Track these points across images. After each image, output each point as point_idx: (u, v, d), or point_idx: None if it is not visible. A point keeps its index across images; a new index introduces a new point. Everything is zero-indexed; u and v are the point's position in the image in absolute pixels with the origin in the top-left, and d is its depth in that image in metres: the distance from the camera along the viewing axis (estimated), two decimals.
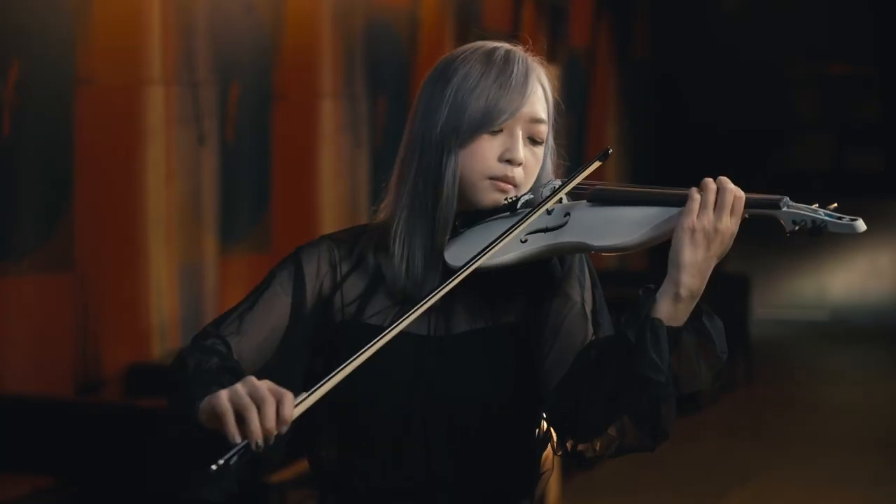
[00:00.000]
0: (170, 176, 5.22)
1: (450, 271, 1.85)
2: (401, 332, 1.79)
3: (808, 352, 10.50)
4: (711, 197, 1.76)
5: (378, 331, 1.79)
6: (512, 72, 1.90)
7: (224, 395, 1.66)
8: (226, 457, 1.60)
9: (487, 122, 1.87)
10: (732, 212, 1.76)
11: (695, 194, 1.77)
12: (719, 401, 8.22)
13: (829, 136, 12.24)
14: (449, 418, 1.86)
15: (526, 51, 1.95)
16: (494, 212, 1.90)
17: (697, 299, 1.78)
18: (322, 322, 1.92)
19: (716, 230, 1.76)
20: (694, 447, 6.97)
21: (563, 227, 1.85)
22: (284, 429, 1.65)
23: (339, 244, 1.95)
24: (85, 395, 4.77)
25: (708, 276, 1.77)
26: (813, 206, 1.76)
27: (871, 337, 11.12)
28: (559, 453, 1.89)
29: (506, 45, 1.94)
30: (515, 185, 1.89)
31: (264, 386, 1.66)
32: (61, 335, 4.69)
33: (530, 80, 1.91)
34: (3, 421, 4.27)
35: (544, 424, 1.93)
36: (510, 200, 1.90)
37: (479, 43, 1.94)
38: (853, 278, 11.95)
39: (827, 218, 1.75)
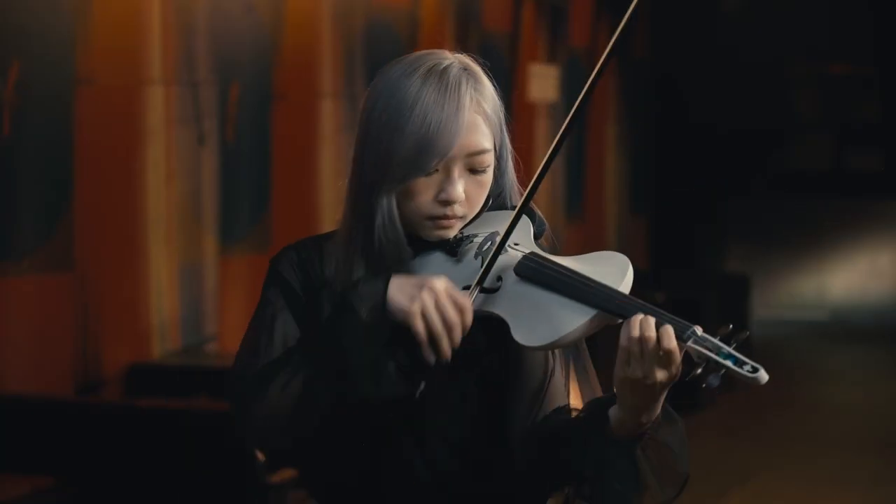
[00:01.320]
0: (170, 176, 5.22)
1: None
2: None
3: (808, 352, 10.49)
4: (636, 349, 1.68)
5: None
6: (443, 105, 1.77)
7: (417, 311, 1.72)
8: (424, 379, 1.73)
9: (418, 168, 1.78)
10: (664, 364, 1.68)
11: (623, 342, 1.69)
12: (719, 401, 8.22)
13: (829, 137, 12.23)
14: (426, 445, 1.83)
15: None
16: (439, 245, 1.85)
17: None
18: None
19: (653, 381, 1.69)
20: (694, 447, 6.96)
21: (495, 295, 1.79)
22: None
23: (304, 254, 1.90)
24: (85, 395, 4.77)
25: (661, 401, 1.73)
26: (720, 342, 1.65)
27: (871, 337, 11.12)
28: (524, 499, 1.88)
29: (443, 63, 1.81)
30: (459, 218, 1.83)
31: (449, 300, 1.73)
32: (61, 335, 4.69)
33: (463, 112, 1.78)
34: (3, 421, 4.27)
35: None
36: (456, 238, 1.84)
37: (418, 59, 1.83)
38: (853, 278, 11.95)
39: (728, 362, 1.63)
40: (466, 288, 1.79)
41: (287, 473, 4.17)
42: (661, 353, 1.67)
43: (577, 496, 1.82)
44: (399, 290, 1.74)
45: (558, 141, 1.82)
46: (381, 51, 6.72)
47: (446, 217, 1.82)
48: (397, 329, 1.73)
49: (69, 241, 4.69)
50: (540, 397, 1.84)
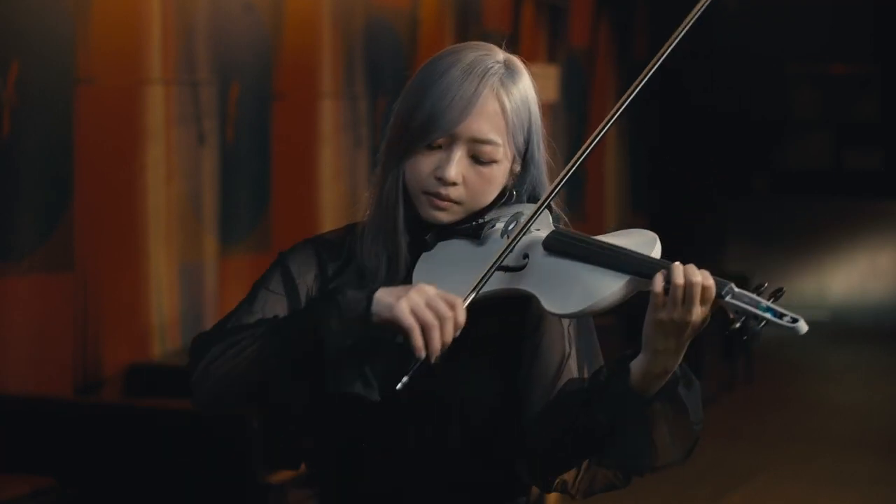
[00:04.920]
0: (170, 176, 5.22)
1: None
2: None
3: (808, 352, 10.49)
4: (679, 292, 1.69)
5: None
6: (461, 86, 1.82)
7: (405, 307, 1.68)
8: (410, 373, 1.68)
9: (423, 137, 1.82)
10: (703, 303, 1.69)
11: (658, 287, 1.69)
12: (719, 401, 8.23)
13: (829, 136, 12.24)
14: (437, 425, 1.85)
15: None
16: (461, 231, 1.87)
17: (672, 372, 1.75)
18: None
19: (687, 322, 1.70)
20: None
21: (521, 272, 1.80)
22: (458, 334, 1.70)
23: (324, 245, 1.93)
24: (84, 395, 4.78)
25: (684, 350, 1.73)
26: (757, 297, 1.66)
27: (871, 337, 11.12)
28: (536, 482, 1.88)
29: (479, 53, 1.86)
30: (455, 202, 1.85)
31: (438, 297, 1.69)
32: (61, 335, 4.69)
33: (480, 97, 1.82)
34: (3, 421, 4.27)
35: None
36: (478, 222, 1.86)
37: (462, 46, 1.88)
38: (853, 278, 11.95)
39: (768, 315, 1.65)
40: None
41: (287, 473, 4.17)
42: (702, 292, 1.68)
43: (588, 458, 1.81)
44: (387, 293, 1.71)
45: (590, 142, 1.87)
46: (381, 51, 6.72)
47: (439, 196, 1.84)
48: (378, 332, 1.71)
49: (69, 241, 4.69)
50: (556, 381, 1.85)
